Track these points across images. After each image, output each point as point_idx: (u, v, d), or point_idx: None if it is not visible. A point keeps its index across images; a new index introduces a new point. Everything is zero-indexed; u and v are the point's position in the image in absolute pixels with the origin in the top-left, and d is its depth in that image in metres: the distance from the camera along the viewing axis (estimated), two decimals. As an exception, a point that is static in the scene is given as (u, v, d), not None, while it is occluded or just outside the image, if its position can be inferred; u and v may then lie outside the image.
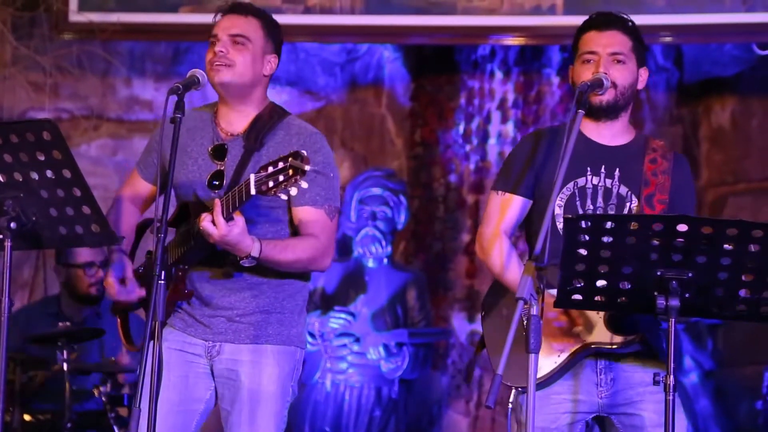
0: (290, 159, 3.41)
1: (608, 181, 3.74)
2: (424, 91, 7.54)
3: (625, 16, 3.80)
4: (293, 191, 3.44)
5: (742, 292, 3.36)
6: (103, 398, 5.74)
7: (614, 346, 3.63)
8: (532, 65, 7.38)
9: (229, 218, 3.55)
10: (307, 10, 6.60)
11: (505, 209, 3.77)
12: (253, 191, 3.46)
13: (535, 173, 3.76)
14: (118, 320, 4.00)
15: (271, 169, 3.44)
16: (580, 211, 3.71)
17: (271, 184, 3.44)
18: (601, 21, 3.78)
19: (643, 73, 3.80)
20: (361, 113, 7.56)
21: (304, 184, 3.43)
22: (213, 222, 3.55)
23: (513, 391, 3.66)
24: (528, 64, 7.38)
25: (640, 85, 3.81)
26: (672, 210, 3.72)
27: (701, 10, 6.37)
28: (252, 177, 3.46)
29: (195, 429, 3.83)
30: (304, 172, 3.40)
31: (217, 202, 3.57)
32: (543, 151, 3.77)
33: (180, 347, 3.81)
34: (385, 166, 7.45)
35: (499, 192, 3.80)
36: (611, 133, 3.78)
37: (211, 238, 3.57)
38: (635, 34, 3.78)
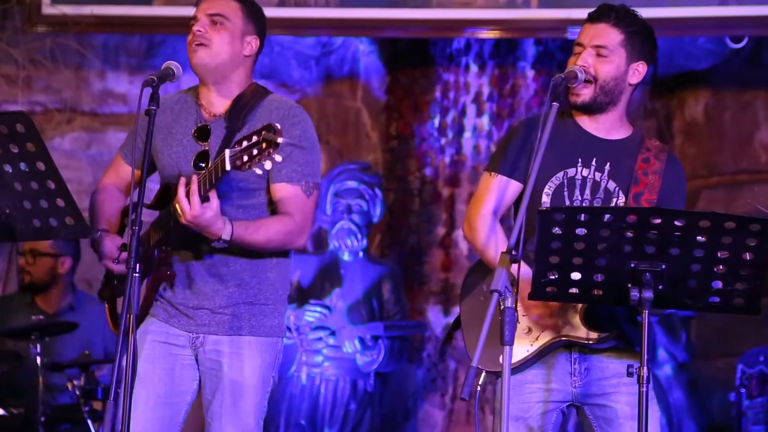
0: (263, 132, 3.38)
1: (597, 175, 3.72)
2: (400, 84, 7.54)
3: (624, 9, 3.72)
4: (268, 165, 3.41)
5: (715, 284, 3.38)
6: (77, 392, 5.71)
7: (590, 342, 3.63)
8: (506, 58, 7.39)
9: (204, 198, 3.53)
10: (282, 3, 6.59)
11: (497, 191, 3.74)
12: (228, 167, 3.44)
13: (528, 159, 3.69)
14: (106, 306, 3.99)
15: (245, 143, 3.42)
16: (567, 201, 3.69)
17: (245, 158, 3.41)
18: (594, 13, 3.72)
19: (640, 68, 3.72)
20: (337, 106, 7.55)
21: (278, 158, 3.40)
22: (188, 198, 3.52)
23: (483, 375, 3.62)
24: (503, 57, 7.39)
25: (633, 80, 3.72)
26: None
27: (675, 4, 6.39)
28: (227, 152, 3.44)
29: (182, 420, 3.83)
30: (277, 145, 3.36)
31: (194, 178, 3.55)
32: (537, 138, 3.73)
33: (164, 339, 3.80)
34: (361, 160, 7.44)
35: (493, 173, 3.76)
36: (606, 126, 3.74)
37: (182, 218, 3.56)
38: (631, 27, 3.71)
